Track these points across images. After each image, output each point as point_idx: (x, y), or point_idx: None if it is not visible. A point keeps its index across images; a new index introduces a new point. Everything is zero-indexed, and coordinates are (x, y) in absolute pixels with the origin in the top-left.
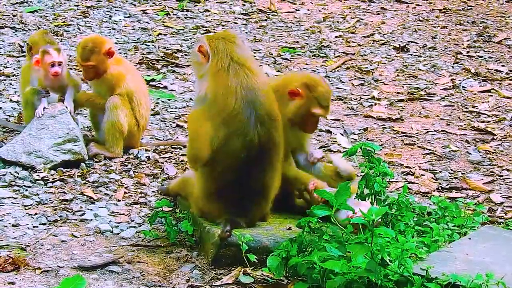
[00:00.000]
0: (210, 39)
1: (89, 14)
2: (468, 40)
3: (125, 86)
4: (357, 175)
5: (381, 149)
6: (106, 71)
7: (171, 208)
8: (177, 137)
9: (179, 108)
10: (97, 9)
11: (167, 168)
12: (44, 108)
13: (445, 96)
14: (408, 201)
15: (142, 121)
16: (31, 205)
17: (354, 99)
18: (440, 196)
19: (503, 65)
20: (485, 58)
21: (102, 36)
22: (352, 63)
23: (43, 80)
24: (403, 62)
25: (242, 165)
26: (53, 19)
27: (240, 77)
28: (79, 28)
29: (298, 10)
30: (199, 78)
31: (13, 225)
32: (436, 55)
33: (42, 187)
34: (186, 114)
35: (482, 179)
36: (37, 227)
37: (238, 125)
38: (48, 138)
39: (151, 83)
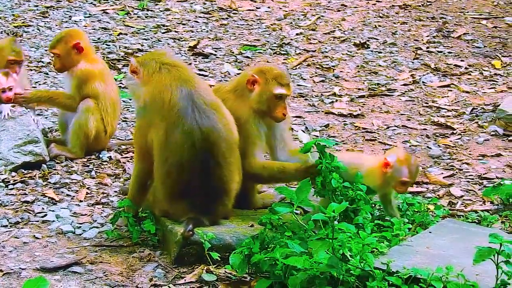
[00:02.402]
0: (137, 58)
1: (49, 15)
2: (427, 36)
3: (92, 87)
4: None
5: (335, 145)
6: (73, 64)
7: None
8: None
9: None
10: (57, 10)
11: (129, 168)
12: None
13: (405, 91)
14: (365, 195)
15: (109, 128)
16: None
17: (315, 96)
18: None
19: (462, 60)
20: (444, 53)
21: (80, 31)
22: (313, 60)
23: None
24: (363, 59)
25: (191, 159)
26: (12, 20)
27: (172, 73)
28: (38, 29)
29: (259, 8)
30: (137, 97)
31: None
32: (396, 51)
33: (3, 189)
34: None
35: (442, 173)
36: None
37: (175, 116)
38: (8, 140)
39: None
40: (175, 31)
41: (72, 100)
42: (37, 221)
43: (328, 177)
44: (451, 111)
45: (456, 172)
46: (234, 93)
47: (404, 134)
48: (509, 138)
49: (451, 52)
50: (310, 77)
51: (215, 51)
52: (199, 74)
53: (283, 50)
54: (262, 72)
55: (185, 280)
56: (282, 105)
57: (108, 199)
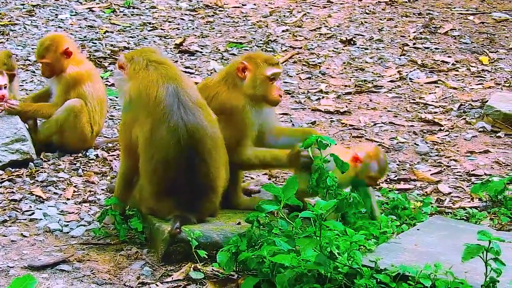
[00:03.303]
0: (125, 54)
1: (35, 13)
2: (414, 32)
3: (80, 91)
4: None
5: (336, 143)
6: (63, 70)
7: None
8: None
9: None
10: (43, 8)
11: (115, 166)
12: None
13: (392, 88)
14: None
15: (96, 127)
16: None
17: (302, 93)
18: (388, 188)
19: (449, 56)
20: (431, 50)
21: (63, 35)
22: (299, 57)
23: None
24: (350, 55)
25: (177, 156)
26: None
27: (159, 70)
28: (25, 27)
29: (245, 5)
30: (123, 93)
31: None
32: (382, 47)
33: None
34: None
35: (430, 170)
36: None
37: (161, 113)
38: None
39: None
40: (161, 29)
41: (56, 108)
42: (25, 219)
43: (324, 175)
44: (438, 107)
45: (444, 169)
46: (225, 84)
47: (391, 131)
48: (497, 135)
49: (438, 48)
50: (297, 74)
51: (201, 49)
52: (185, 72)
53: (269, 47)
54: (251, 58)
55: (172, 278)
56: (276, 87)
57: (95, 197)
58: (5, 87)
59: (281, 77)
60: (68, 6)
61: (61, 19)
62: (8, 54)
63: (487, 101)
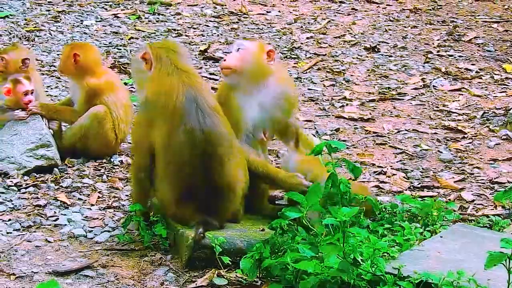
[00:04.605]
0: (153, 48)
1: (61, 19)
2: (438, 40)
3: (103, 100)
4: None
5: (347, 148)
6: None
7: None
8: None
9: None
10: (69, 14)
11: None
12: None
13: (416, 95)
14: (375, 199)
15: (120, 134)
16: (4, 211)
17: (326, 100)
18: (410, 194)
19: (473, 64)
20: (455, 57)
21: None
22: (323, 64)
23: (12, 102)
24: (374, 62)
25: (193, 160)
26: (24, 24)
27: (182, 77)
28: (50, 33)
29: (269, 12)
30: (140, 86)
31: None
32: (406, 54)
33: (16, 193)
34: None
35: (453, 177)
36: (11, 233)
37: (179, 118)
38: (21, 144)
39: None
40: (186, 35)
41: (78, 114)
42: (49, 225)
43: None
44: (462, 115)
45: (467, 176)
46: (257, 62)
47: (415, 138)
48: None
49: (461, 56)
50: (321, 81)
51: (226, 55)
52: (210, 78)
53: (293, 54)
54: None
55: (196, 284)
56: None
57: (119, 203)
58: (32, 93)
59: (305, 84)
60: (93, 12)
61: (86, 25)
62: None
63: (510, 108)
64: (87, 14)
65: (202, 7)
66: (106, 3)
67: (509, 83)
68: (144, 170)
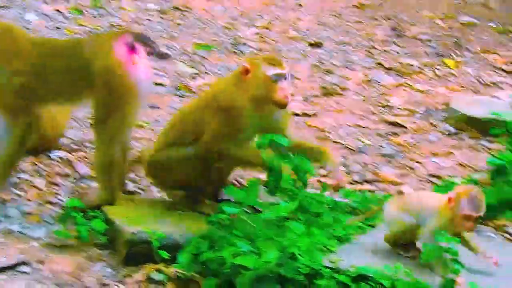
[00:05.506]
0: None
1: (0, 14)
2: (382, 35)
3: None
4: None
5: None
6: None
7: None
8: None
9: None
10: (9, 9)
11: (80, 168)
12: None
13: (359, 91)
14: (317, 194)
15: (56, 129)
16: None
17: None
18: (351, 189)
19: (416, 59)
20: (398, 53)
21: None
22: None
23: None
24: (318, 58)
25: None
26: None
27: None
28: None
29: (214, 7)
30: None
31: None
32: (350, 50)
33: None
34: None
35: (394, 172)
36: None
37: None
38: None
39: None
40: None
41: None
42: None
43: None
44: (404, 110)
45: (408, 171)
46: (233, 85)
47: (357, 133)
48: (460, 137)
49: (405, 52)
50: None
51: (170, 50)
52: (154, 74)
53: (238, 50)
54: (252, 59)
55: (134, 279)
56: (280, 87)
57: (57, 198)
58: None
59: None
60: (34, 6)
61: (28, 20)
62: None
63: (451, 103)
64: (28, 9)
65: (146, 2)
66: None
67: (451, 78)
68: None
